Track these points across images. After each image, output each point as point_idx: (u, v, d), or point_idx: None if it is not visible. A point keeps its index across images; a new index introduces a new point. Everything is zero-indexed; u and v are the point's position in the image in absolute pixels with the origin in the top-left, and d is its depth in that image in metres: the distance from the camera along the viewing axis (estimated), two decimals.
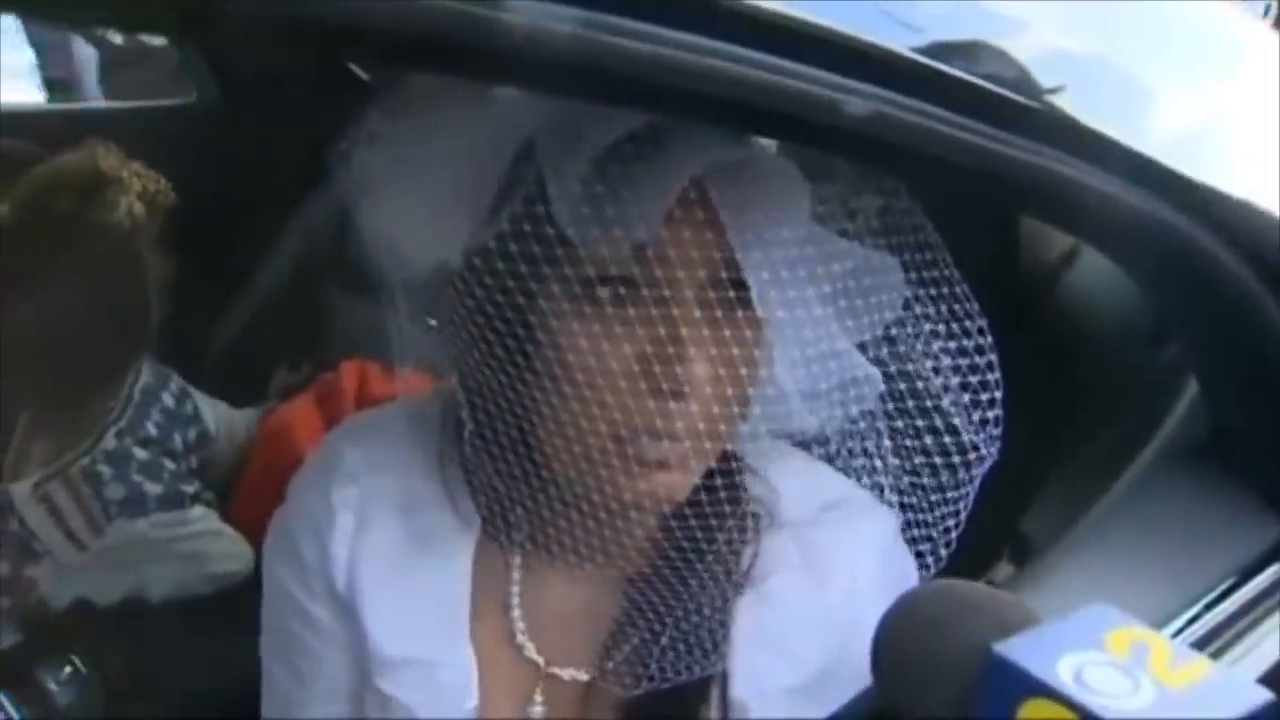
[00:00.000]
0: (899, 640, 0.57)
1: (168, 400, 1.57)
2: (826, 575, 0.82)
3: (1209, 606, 0.76)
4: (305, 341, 1.88)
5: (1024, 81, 0.65)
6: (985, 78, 0.63)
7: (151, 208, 1.46)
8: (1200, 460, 0.85)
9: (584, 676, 0.84)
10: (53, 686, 1.26)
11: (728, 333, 0.73)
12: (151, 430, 1.52)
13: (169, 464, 1.51)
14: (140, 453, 1.49)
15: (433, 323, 0.81)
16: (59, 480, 1.45)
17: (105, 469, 1.46)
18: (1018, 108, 0.65)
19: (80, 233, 1.43)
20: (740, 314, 0.74)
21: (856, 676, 0.63)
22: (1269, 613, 0.77)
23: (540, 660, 0.85)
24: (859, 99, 0.60)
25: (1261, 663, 0.74)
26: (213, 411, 1.64)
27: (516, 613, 0.85)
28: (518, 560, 0.85)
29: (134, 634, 1.32)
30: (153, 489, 1.47)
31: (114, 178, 1.44)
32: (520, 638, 0.85)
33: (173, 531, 1.45)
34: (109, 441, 1.48)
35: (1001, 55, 0.64)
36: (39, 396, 1.52)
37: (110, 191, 1.43)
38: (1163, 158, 0.70)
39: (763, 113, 0.59)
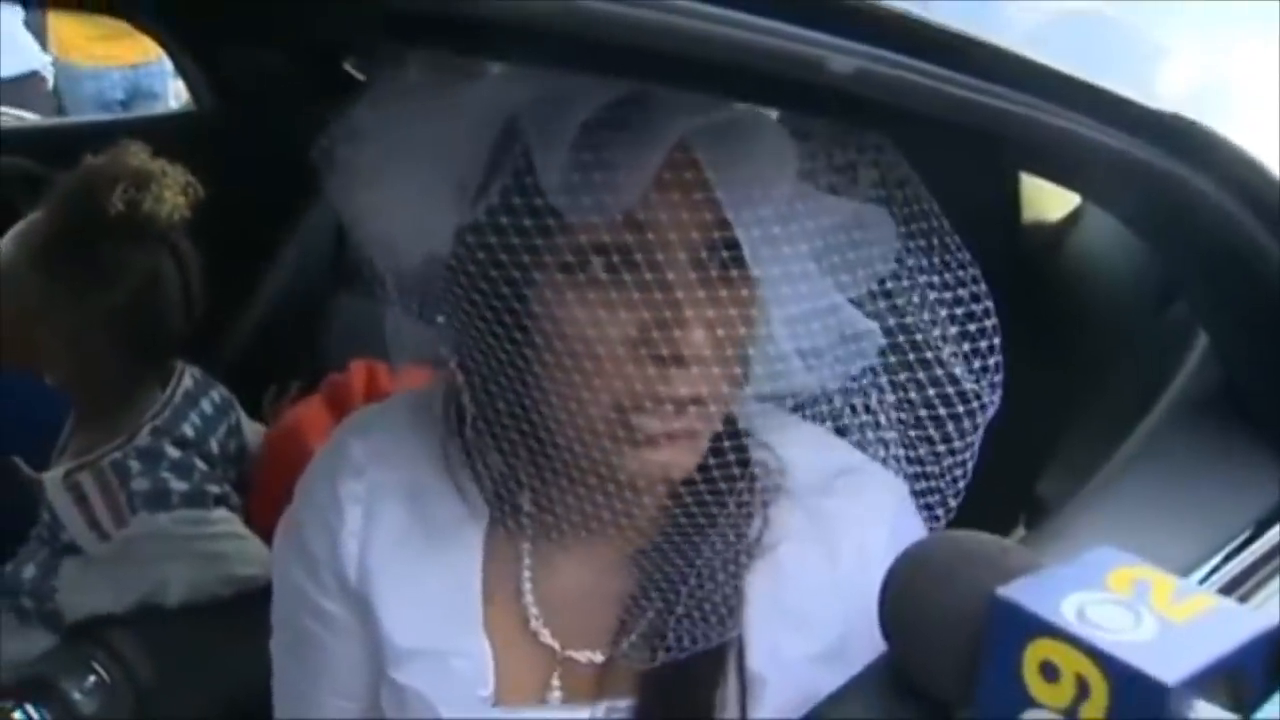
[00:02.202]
0: (907, 592, 0.57)
1: (207, 407, 1.58)
2: (837, 544, 0.82)
3: (1224, 560, 0.75)
4: (309, 347, 1.89)
5: None
6: None
7: (188, 201, 1.48)
8: (1212, 414, 0.84)
9: (600, 657, 0.84)
10: (77, 696, 1.26)
11: (724, 294, 0.73)
12: (188, 432, 1.53)
13: (201, 465, 1.52)
14: (173, 451, 1.50)
15: (433, 313, 0.81)
16: (89, 470, 1.46)
17: (135, 463, 1.47)
18: (1005, 59, 0.64)
19: (134, 224, 1.44)
20: (735, 275, 0.74)
21: (872, 643, 0.63)
22: None
23: (556, 645, 0.85)
24: (843, 56, 0.59)
25: (1276, 617, 0.73)
26: (252, 430, 1.65)
27: (529, 598, 0.85)
28: (527, 546, 0.85)
29: (154, 639, 1.32)
30: (179, 486, 1.48)
31: (158, 171, 1.45)
32: (534, 623, 0.85)
33: (194, 529, 1.46)
34: (143, 438, 1.49)
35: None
36: (86, 392, 1.54)
37: (156, 185, 1.44)
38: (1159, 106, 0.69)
39: (745, 73, 0.59)
